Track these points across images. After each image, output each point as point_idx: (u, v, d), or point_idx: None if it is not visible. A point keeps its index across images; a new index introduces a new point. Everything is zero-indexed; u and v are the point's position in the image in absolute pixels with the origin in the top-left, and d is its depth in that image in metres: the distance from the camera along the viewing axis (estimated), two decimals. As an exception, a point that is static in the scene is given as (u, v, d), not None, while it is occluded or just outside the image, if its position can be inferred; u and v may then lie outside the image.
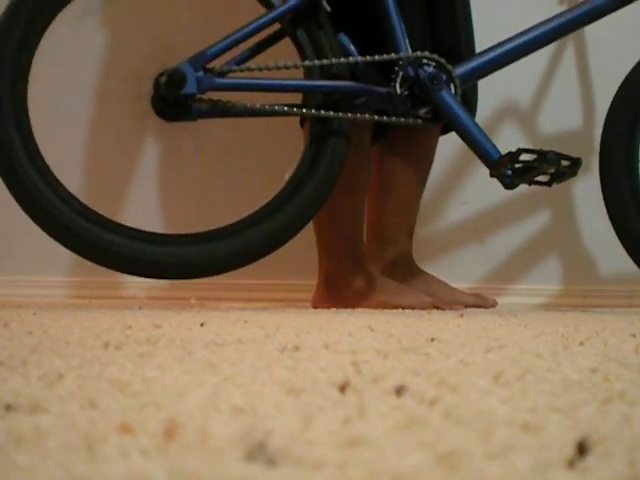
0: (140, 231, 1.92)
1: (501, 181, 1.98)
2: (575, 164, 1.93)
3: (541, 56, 2.30)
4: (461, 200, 2.66)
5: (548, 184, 1.99)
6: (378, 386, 0.73)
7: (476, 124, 2.00)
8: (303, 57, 1.97)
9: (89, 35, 2.09)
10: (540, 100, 2.67)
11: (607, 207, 2.11)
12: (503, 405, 0.65)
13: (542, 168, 1.93)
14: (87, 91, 2.12)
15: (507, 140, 2.45)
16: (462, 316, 1.77)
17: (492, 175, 1.99)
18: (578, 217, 2.68)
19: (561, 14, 2.06)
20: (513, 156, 1.93)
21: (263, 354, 0.95)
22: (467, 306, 2.19)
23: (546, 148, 1.93)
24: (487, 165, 1.98)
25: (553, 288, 2.67)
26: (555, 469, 0.47)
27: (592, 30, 2.31)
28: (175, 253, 1.89)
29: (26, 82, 1.88)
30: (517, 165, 1.93)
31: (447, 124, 2.05)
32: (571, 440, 0.52)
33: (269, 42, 2.01)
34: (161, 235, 1.96)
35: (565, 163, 1.92)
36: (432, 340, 1.16)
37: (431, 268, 2.64)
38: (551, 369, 0.87)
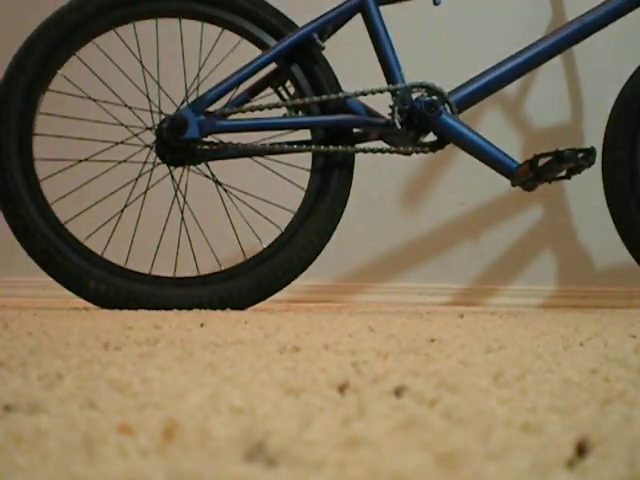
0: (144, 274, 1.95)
1: (523, 188, 1.98)
2: (590, 154, 1.93)
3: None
4: (457, 201, 2.66)
5: (567, 177, 1.99)
6: (378, 386, 0.73)
7: (484, 139, 1.99)
8: (301, 93, 1.98)
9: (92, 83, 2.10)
10: (527, 94, 2.67)
11: (608, 204, 2.12)
12: (503, 405, 0.65)
13: (561, 167, 1.94)
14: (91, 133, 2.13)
15: (499, 137, 2.46)
16: (462, 317, 1.77)
17: (513, 185, 1.99)
18: (574, 219, 2.68)
19: (551, 35, 2.06)
20: (531, 163, 1.93)
21: (263, 355, 0.95)
22: None
23: (561, 148, 1.94)
24: (506, 176, 1.98)
25: (552, 289, 2.67)
26: (555, 469, 0.47)
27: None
28: (192, 294, 1.92)
29: (32, 132, 1.94)
30: (536, 170, 1.93)
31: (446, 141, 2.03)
32: (571, 440, 0.52)
33: (268, 81, 2.03)
34: (172, 278, 1.98)
35: (581, 155, 1.92)
36: (432, 341, 1.16)
37: (427, 268, 2.65)
38: (551, 370, 0.87)
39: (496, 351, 1.04)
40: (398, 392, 0.70)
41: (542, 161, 1.94)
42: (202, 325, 1.39)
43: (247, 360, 0.90)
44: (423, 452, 0.49)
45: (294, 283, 2.00)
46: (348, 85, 2.04)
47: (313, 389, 0.71)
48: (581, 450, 0.50)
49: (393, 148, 1.97)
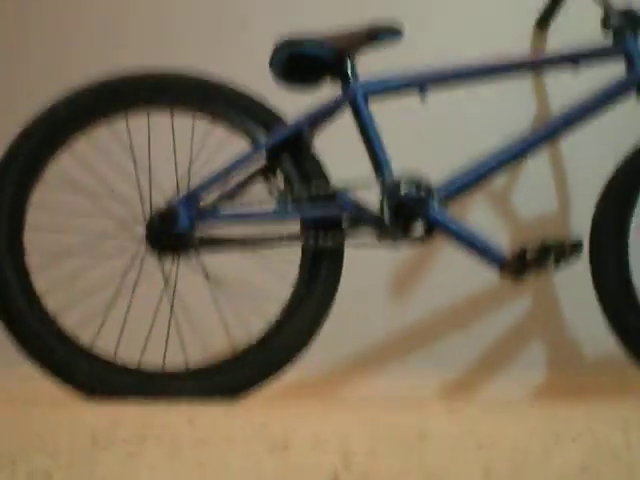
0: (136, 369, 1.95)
1: (511, 279, 2.00)
2: (577, 246, 1.96)
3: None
4: (445, 292, 2.67)
5: (555, 268, 2.01)
6: (368, 487, 0.72)
7: (473, 232, 2.01)
8: (291, 187, 2.02)
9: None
10: (514, 185, 2.70)
11: (598, 299, 2.13)
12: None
13: (548, 259, 1.96)
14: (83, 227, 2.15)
15: (487, 228, 2.48)
16: (452, 411, 1.76)
17: (502, 276, 2.01)
18: (563, 309, 2.69)
19: (537, 129, 2.10)
20: (519, 255, 1.96)
21: (252, 453, 0.95)
22: None
23: (548, 239, 1.96)
24: (495, 269, 2.00)
25: (542, 379, 2.67)
26: None
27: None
28: (181, 387, 1.91)
29: (23, 223, 1.94)
30: (524, 262, 1.95)
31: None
32: None
33: (258, 174, 2.06)
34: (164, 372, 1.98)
35: (568, 247, 1.95)
36: (423, 436, 1.15)
37: (417, 359, 2.64)
38: (542, 466, 0.86)
39: (487, 447, 1.03)
40: (389, 493, 0.69)
41: (530, 253, 1.96)
42: (190, 421, 1.37)
43: (236, 459, 0.89)
44: None
45: (282, 375, 1.99)
46: (338, 176, 2.06)
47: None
48: None
49: (382, 241, 1.99)
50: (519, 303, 2.68)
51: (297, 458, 0.90)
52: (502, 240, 2.55)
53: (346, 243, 1.99)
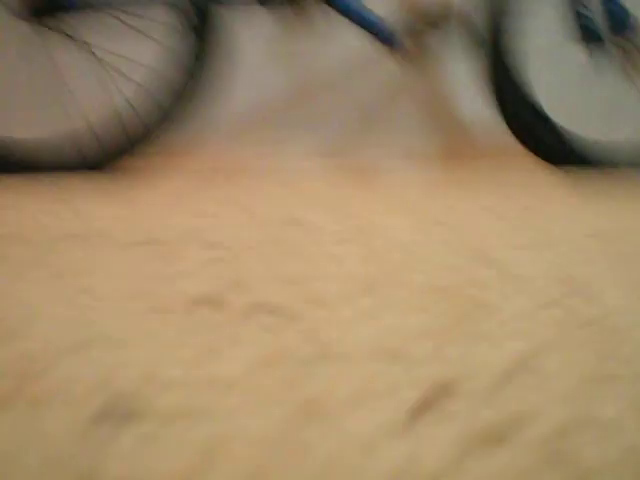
0: None
1: (402, 63, 2.01)
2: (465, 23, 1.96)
3: None
4: (327, 57, 2.66)
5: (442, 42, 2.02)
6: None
7: (365, 7, 1.99)
8: None
9: None
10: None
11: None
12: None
13: (437, 33, 1.97)
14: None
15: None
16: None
17: (394, 59, 2.00)
18: (448, 78, 2.72)
19: None
20: (410, 33, 1.97)
21: (127, 250, 0.96)
22: None
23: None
24: (386, 49, 1.99)
25: (419, 143, 2.72)
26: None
27: None
28: None
29: None
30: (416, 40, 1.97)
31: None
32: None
33: None
34: None
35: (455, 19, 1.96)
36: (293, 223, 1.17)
37: (297, 123, 2.65)
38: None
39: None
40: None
41: (418, 28, 1.96)
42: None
43: (113, 256, 0.89)
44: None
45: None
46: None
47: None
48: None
49: (261, 3, 1.95)
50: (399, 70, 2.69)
51: (169, 255, 0.92)
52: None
53: (221, 5, 1.93)
